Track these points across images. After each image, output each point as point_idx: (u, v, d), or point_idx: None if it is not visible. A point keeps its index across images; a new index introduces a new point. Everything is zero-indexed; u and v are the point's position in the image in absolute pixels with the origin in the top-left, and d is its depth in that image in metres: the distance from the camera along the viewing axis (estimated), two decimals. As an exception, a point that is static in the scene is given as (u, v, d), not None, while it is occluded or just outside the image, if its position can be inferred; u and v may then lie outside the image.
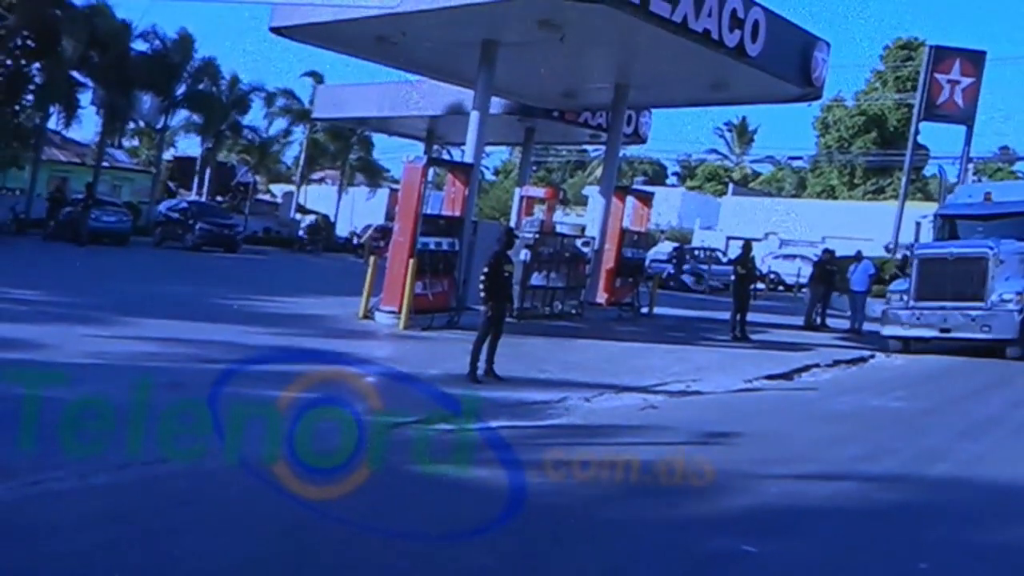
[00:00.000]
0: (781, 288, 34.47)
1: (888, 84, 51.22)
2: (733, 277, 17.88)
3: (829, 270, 19.80)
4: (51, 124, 31.86)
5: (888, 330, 15.64)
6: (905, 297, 15.43)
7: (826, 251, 20.89)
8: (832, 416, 9.63)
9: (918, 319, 15.12)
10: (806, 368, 12.86)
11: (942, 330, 14.93)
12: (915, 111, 30.60)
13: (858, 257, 19.75)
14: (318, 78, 38.28)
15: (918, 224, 17.39)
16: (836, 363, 13.74)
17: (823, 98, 25.97)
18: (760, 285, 27.64)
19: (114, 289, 15.73)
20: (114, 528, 4.73)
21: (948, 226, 16.38)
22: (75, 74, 30.07)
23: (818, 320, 19.29)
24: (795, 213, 42.25)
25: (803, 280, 27.94)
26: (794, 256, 35.55)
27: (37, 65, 29.33)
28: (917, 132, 31.60)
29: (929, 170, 49.34)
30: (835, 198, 52.15)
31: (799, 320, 19.45)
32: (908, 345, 15.39)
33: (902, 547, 5.32)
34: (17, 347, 8.99)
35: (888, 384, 12.12)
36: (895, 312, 15.48)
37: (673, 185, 64.62)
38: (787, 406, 10.23)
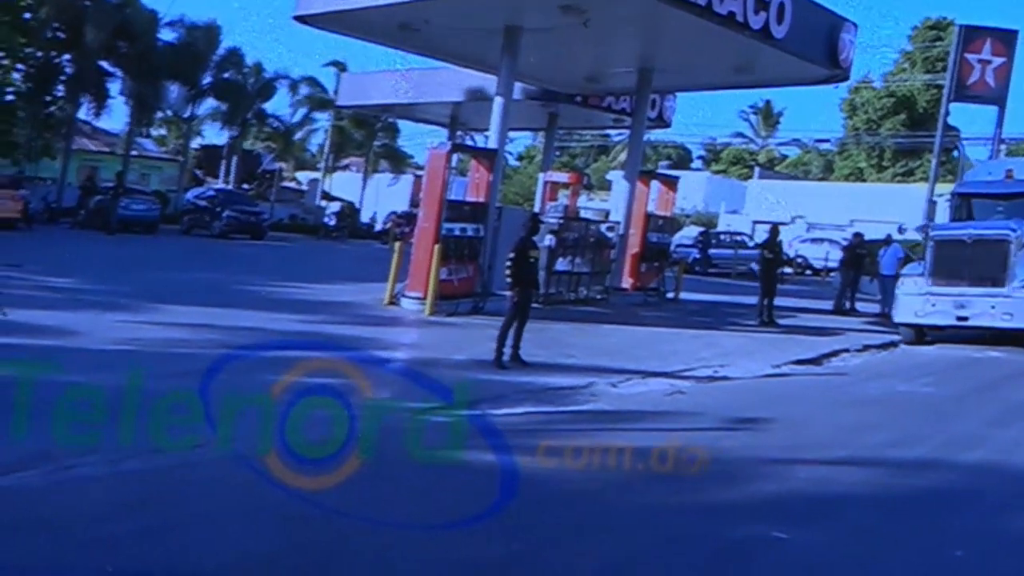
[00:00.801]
0: (809, 272, 34.12)
1: (917, 65, 50.40)
2: (760, 261, 17.76)
3: (859, 254, 19.60)
4: (81, 114, 32.16)
5: (901, 316, 14.43)
6: (919, 281, 14.15)
7: (856, 235, 20.67)
8: (861, 401, 9.55)
9: (933, 305, 13.83)
10: (835, 353, 12.75)
11: (959, 317, 13.70)
12: (945, 92, 30.06)
13: (888, 241, 19.45)
14: (341, 67, 38.43)
15: (934, 203, 16.56)
16: (866, 348, 13.60)
17: (850, 80, 25.55)
18: (787, 269, 27.31)
19: (143, 276, 15.88)
20: (144, 515, 4.77)
21: (966, 205, 15.22)
22: (104, 64, 30.35)
23: (847, 305, 19.12)
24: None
25: (831, 264, 27.52)
26: (822, 240, 35.17)
27: (67, 56, 29.67)
28: (947, 113, 31.04)
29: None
30: (863, 181, 51.54)
31: (827, 304, 19.29)
32: (922, 333, 14.28)
33: (935, 534, 5.27)
34: (51, 334, 9.11)
35: (918, 370, 11.98)
36: (908, 297, 14.26)
37: (698, 169, 64.12)
38: (816, 391, 10.16)
